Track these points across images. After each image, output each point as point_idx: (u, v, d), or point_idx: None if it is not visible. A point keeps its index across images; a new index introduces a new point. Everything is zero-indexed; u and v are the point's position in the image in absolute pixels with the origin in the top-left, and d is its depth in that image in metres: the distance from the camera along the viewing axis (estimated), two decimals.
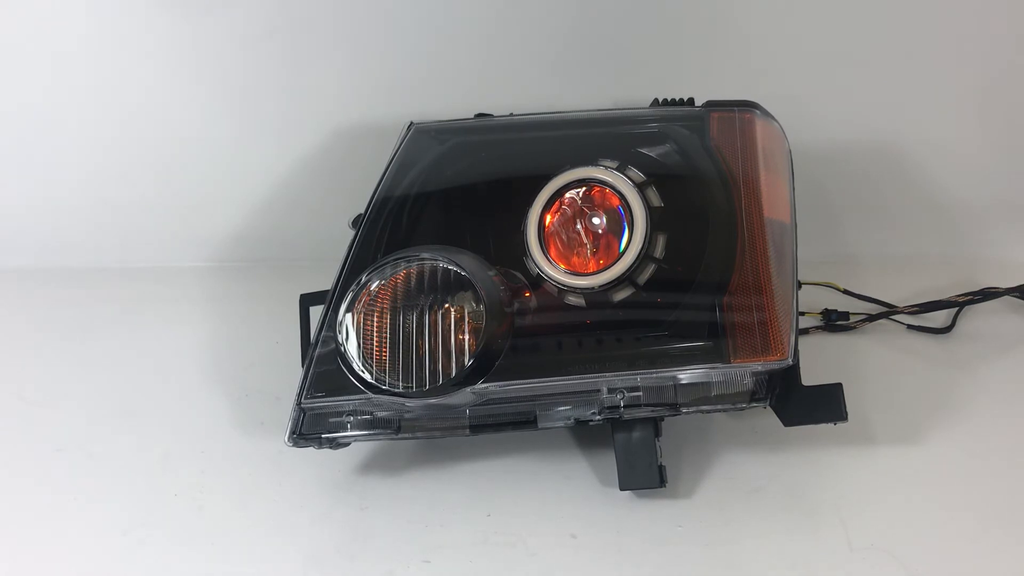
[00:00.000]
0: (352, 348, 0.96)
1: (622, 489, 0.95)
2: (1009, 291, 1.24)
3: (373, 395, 0.95)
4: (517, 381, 0.94)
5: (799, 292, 0.99)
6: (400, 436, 0.98)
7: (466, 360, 0.94)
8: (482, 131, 1.16)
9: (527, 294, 0.99)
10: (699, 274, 0.97)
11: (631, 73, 1.35)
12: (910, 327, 1.23)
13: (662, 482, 0.94)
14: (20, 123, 1.45)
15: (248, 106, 1.42)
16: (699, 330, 0.95)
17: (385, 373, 0.95)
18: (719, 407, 0.95)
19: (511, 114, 1.18)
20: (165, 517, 0.97)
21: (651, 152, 1.05)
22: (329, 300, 1.02)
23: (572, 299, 0.98)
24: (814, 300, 1.25)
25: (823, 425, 0.94)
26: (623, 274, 0.97)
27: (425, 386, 0.94)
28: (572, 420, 0.96)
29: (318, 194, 1.44)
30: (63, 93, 1.43)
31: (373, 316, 0.97)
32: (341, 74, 1.39)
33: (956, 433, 1.03)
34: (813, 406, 0.94)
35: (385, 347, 0.96)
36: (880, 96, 1.35)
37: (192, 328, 1.33)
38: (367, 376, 0.95)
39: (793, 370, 0.93)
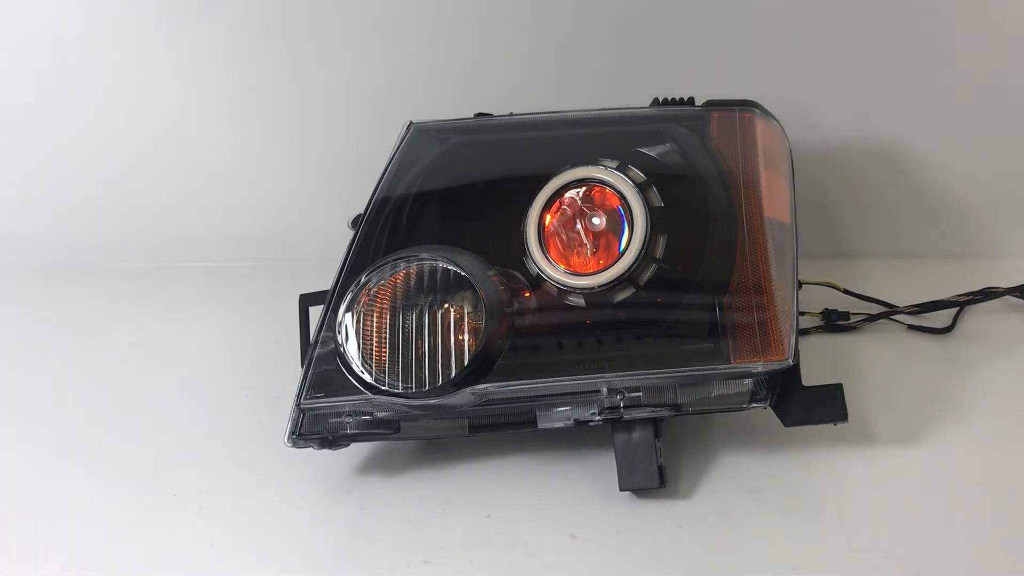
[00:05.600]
0: (352, 348, 0.96)
1: (622, 489, 0.95)
2: (1009, 291, 1.24)
3: (372, 395, 0.95)
4: (517, 381, 0.94)
5: (799, 292, 0.99)
6: (399, 436, 0.98)
7: (465, 360, 0.94)
8: (482, 131, 1.16)
9: (527, 294, 0.99)
10: (699, 274, 0.97)
11: (631, 73, 1.35)
12: (910, 327, 1.23)
13: (662, 482, 0.94)
14: (22, 123, 1.45)
15: (247, 106, 1.42)
16: (699, 330, 0.95)
17: (384, 373, 0.95)
18: (719, 407, 0.95)
19: (511, 114, 1.18)
20: (165, 517, 0.97)
21: (651, 152, 1.05)
22: (329, 300, 1.02)
23: (572, 299, 0.98)
24: (814, 300, 1.24)
25: (823, 425, 0.94)
26: (623, 274, 0.97)
27: (424, 387, 0.94)
28: (572, 421, 0.96)
29: (318, 194, 1.45)
30: (65, 93, 1.43)
31: (372, 316, 0.97)
32: (341, 74, 1.39)
33: (956, 433, 1.03)
34: (813, 406, 0.94)
35: (384, 347, 0.96)
36: (880, 96, 1.35)
37: (192, 328, 1.33)
38: (367, 376, 0.95)
39: (793, 370, 0.93)
